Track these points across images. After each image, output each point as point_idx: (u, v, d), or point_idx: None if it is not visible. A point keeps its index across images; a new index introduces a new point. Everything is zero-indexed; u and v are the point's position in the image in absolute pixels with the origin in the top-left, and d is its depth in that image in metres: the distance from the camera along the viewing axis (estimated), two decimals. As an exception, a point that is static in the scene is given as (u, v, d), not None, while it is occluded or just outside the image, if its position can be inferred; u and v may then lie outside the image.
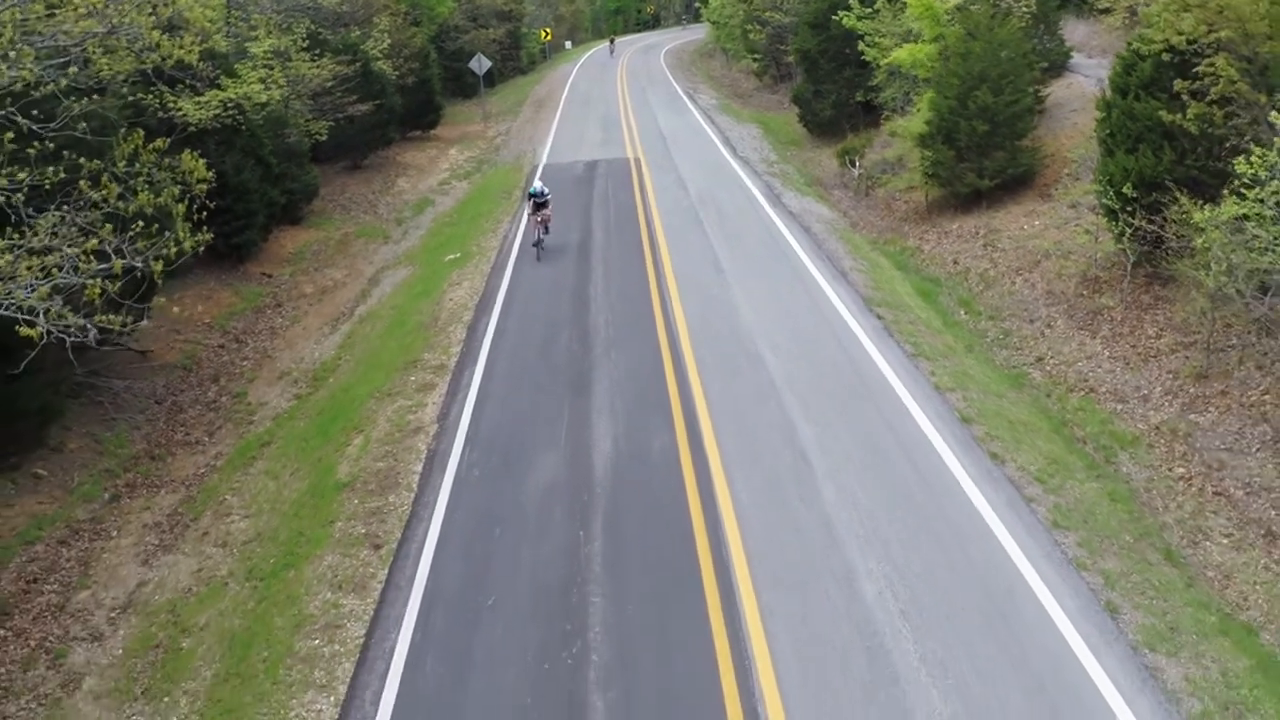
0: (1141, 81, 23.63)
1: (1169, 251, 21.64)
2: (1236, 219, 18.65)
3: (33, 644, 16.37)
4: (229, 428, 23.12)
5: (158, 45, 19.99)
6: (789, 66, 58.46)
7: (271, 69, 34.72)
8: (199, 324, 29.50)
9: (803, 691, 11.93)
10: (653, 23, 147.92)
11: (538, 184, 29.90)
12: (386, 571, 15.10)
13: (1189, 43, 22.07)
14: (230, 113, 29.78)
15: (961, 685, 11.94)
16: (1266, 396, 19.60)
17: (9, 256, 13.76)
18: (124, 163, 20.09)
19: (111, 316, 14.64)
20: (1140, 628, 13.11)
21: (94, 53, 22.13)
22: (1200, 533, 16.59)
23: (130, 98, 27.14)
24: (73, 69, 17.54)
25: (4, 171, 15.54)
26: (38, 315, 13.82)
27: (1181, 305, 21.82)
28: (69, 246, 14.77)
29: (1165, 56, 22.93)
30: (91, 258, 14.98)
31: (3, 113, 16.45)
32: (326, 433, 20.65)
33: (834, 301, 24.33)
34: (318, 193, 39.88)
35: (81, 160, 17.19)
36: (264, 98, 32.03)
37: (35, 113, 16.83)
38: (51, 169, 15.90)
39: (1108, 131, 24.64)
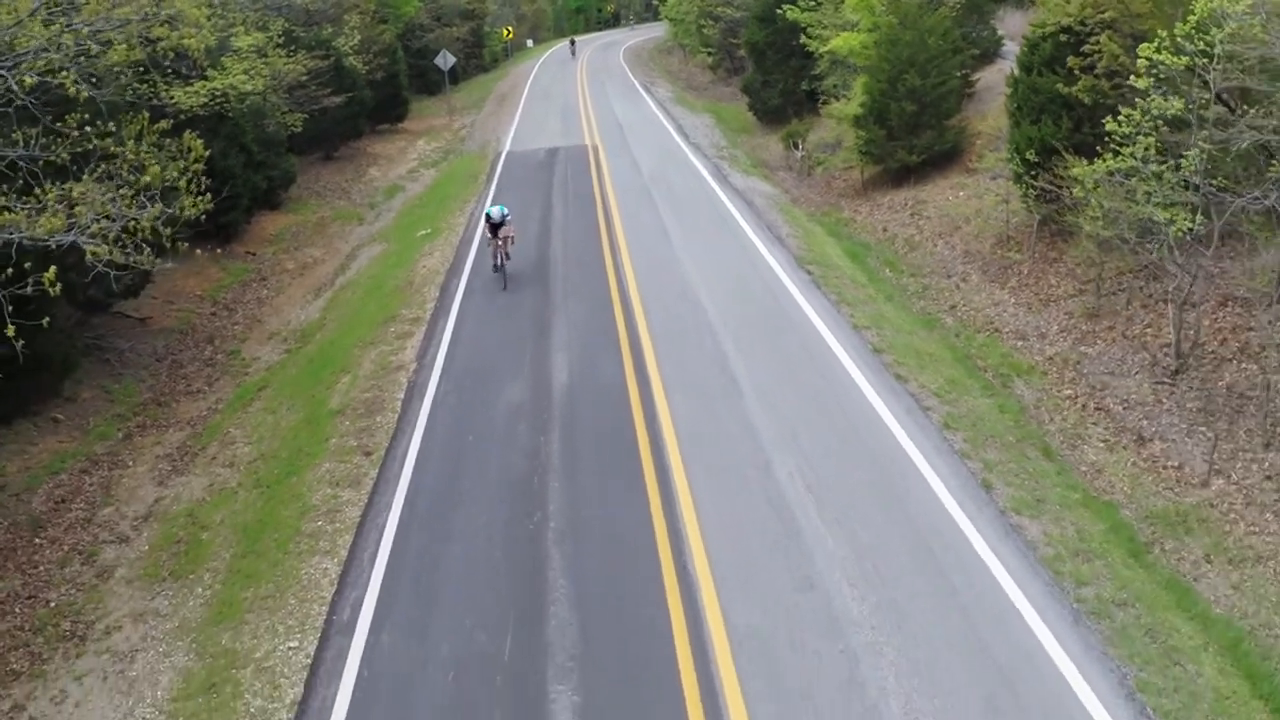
0: (1043, 59, 26.53)
1: (1065, 208, 24.49)
2: (1113, 173, 21.47)
3: (66, 548, 18.90)
4: (226, 379, 25.68)
5: (157, 38, 22.46)
6: (742, 60, 61.33)
7: (256, 60, 37.14)
8: (191, 295, 32.01)
9: (724, 546, 14.66)
10: (613, 21, 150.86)
11: (495, 207, 26.89)
12: (377, 471, 17.78)
13: (1081, 23, 24.91)
14: (217, 101, 32.28)
15: (853, 536, 14.73)
16: (1148, 330, 22.48)
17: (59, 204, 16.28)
18: (132, 141, 22.63)
19: (141, 257, 17.16)
20: (1010, 498, 15.92)
21: (97, 43, 24.55)
22: (1079, 438, 19.45)
23: (128, 85, 29.55)
24: (81, 57, 19.98)
25: (40, 142, 18.07)
26: (99, 246, 16.26)
27: (1074, 254, 24.69)
28: (109, 200, 17.25)
29: (1063, 37, 25.82)
30: (133, 203, 17.42)
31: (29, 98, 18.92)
32: (317, 376, 23.26)
33: (769, 261, 27.09)
34: (295, 180, 42.40)
35: (95, 139, 19.68)
36: (248, 88, 34.52)
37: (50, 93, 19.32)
38: (77, 135, 18.41)
39: (1015, 105, 27.55)
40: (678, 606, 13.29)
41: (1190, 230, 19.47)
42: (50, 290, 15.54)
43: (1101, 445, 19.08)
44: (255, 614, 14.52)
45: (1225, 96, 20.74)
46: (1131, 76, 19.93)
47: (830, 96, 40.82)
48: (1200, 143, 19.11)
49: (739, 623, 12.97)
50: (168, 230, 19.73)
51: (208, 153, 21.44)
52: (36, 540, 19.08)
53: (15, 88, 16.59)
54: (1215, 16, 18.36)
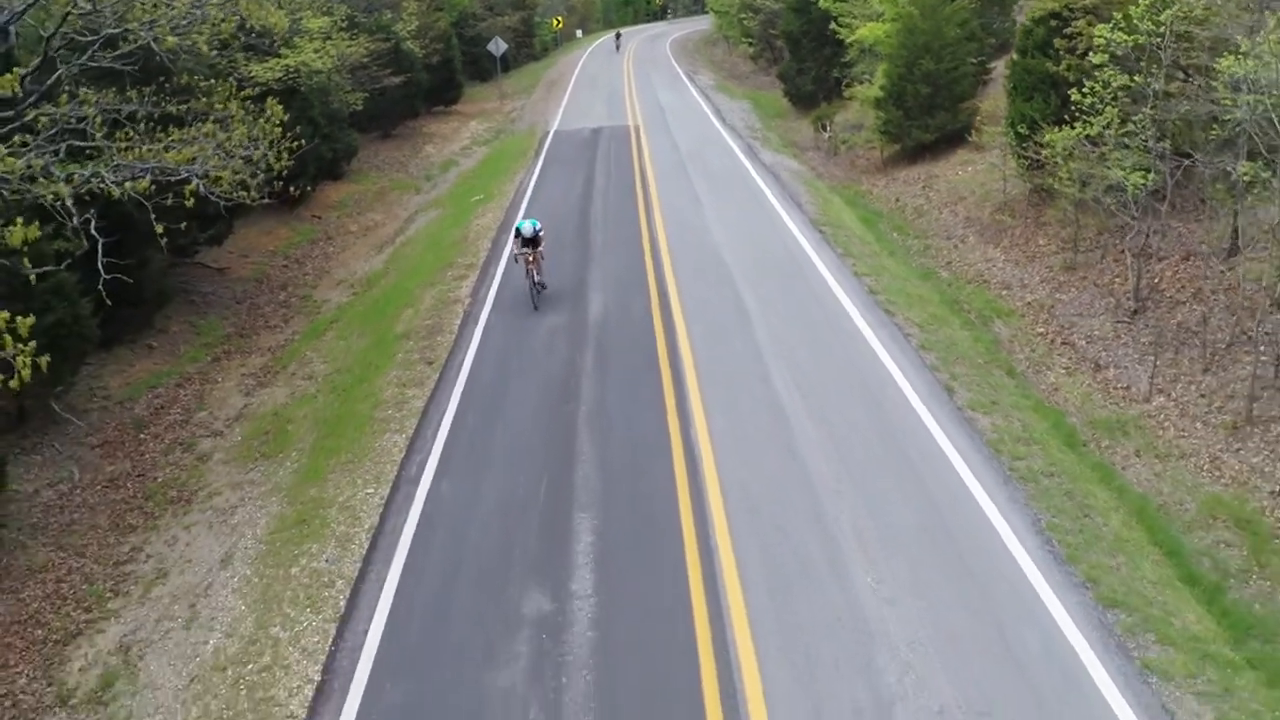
0: (1036, 43, 29.49)
1: (1047, 174, 27.48)
2: (1084, 140, 24.46)
3: (168, 441, 22.32)
4: (300, 317, 29.12)
5: (247, 14, 25.89)
6: (781, 50, 64.30)
7: (322, 42, 40.69)
8: (263, 251, 35.53)
9: (724, 428, 17.70)
10: (661, 14, 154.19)
11: (526, 221, 24.53)
12: (437, 375, 21.11)
13: (1067, 9, 27.90)
14: (290, 76, 35.79)
15: (830, 424, 17.83)
16: (1116, 279, 25.38)
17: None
18: (222, 105, 26.08)
19: (245, 194, 20.52)
20: (968, 400, 18.98)
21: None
22: (1043, 365, 22.46)
23: (213, 59, 33.07)
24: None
25: (152, 99, 21.52)
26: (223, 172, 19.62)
27: (1053, 214, 27.70)
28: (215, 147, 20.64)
29: (1052, 22, 28.76)
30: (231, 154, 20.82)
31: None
32: (383, 311, 26.64)
33: (787, 223, 30.22)
34: (356, 153, 45.93)
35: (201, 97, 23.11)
36: (317, 65, 38.01)
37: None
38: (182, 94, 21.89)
39: (1012, 85, 30.52)
40: (681, 467, 16.47)
41: (1144, 187, 22.41)
42: (157, 233, 18.97)
43: (1062, 371, 22.07)
44: (337, 474, 17.84)
45: (1183, 72, 23.63)
46: (1089, 54, 22.87)
47: (856, 81, 43.77)
48: (1149, 111, 22.06)
49: (730, 478, 16.14)
50: (255, 180, 23.09)
51: (286, 117, 24.75)
52: (141, 436, 22.49)
53: (155, 45, 19.92)
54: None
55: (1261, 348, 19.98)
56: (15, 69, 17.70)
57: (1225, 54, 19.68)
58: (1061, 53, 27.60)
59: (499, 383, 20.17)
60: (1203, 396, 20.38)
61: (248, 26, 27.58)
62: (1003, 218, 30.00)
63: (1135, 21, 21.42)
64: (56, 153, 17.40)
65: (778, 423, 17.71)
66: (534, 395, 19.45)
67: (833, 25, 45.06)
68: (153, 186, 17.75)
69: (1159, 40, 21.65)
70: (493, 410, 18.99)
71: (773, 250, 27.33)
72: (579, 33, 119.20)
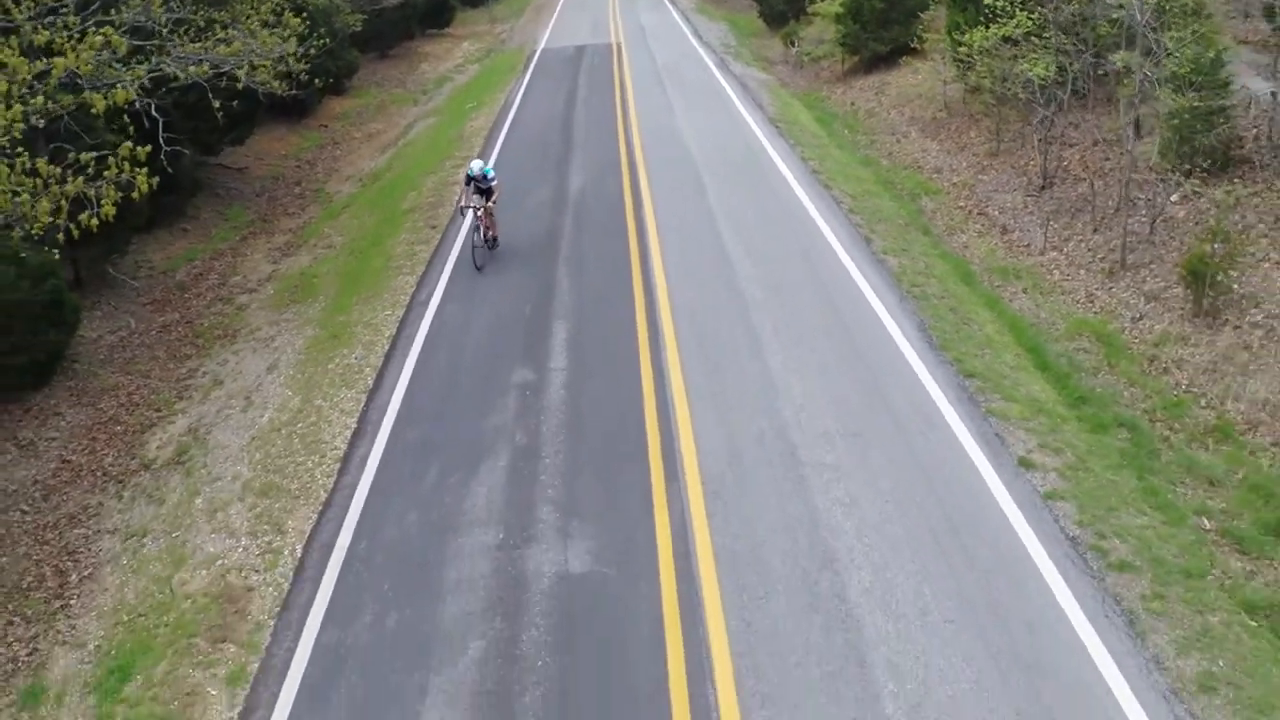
0: (973, -44, 33.08)
1: (974, 72, 31.22)
2: (1002, 40, 28.21)
3: (210, 298, 26.14)
4: (315, 205, 32.93)
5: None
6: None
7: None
8: (276, 155, 39.22)
9: (678, 267, 21.48)
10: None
11: (476, 162, 23.04)
12: (440, 235, 24.99)
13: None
14: (301, -2, 39.29)
15: (765, 263, 21.69)
16: (1030, 164, 29.21)
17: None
18: (248, 17, 29.67)
19: (276, 84, 24.20)
20: (882, 246, 22.84)
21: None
22: (958, 230, 26.31)
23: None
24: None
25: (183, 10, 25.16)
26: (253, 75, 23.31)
27: (977, 106, 31.51)
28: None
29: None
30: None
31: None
32: (391, 195, 30.46)
33: (749, 121, 33.98)
34: (357, 70, 49.46)
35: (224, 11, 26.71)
36: (321, -15, 41.56)
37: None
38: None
39: (950, -3, 34.18)
40: (640, 294, 20.35)
41: (1049, 80, 26.20)
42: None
43: (974, 234, 25.94)
44: (359, 305, 21.75)
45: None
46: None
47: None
48: (1050, 14, 25.83)
49: (679, 299, 20.00)
50: (279, 84, 26.72)
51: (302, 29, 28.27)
52: (185, 295, 26.32)
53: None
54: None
55: (1143, 213, 23.79)
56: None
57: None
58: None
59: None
60: (1089, 250, 24.22)
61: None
62: (940, 115, 33.74)
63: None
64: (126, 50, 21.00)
65: (721, 261, 21.62)
66: (523, 246, 23.34)
67: (802, -53, 48.43)
68: (210, 71, 21.46)
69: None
70: (488, 265, 22.85)
71: (732, 142, 31.12)
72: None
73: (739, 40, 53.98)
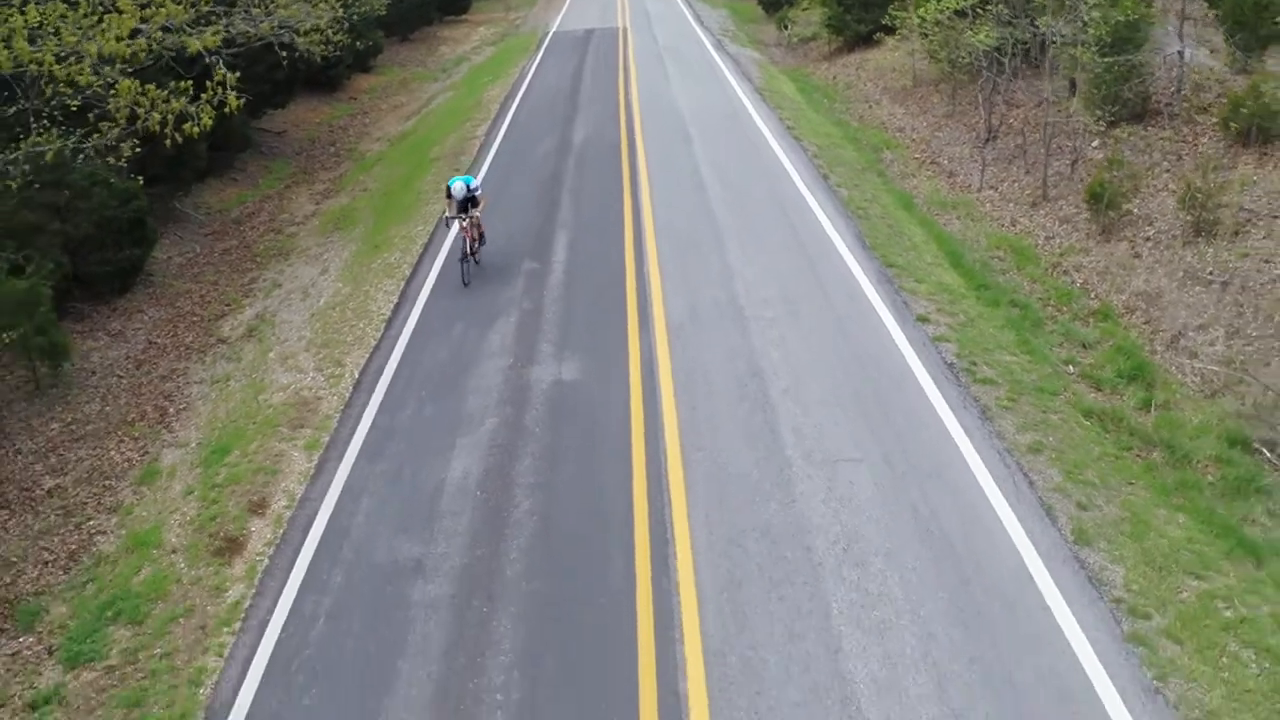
0: (936, -58, 37.14)
1: (930, 42, 35.29)
2: (954, 13, 32.30)
3: (262, 229, 30.36)
4: (349, 161, 37.18)
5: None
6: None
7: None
8: (311, 123, 43.49)
9: (663, 198, 25.45)
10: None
11: (458, 180, 21.46)
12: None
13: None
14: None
15: (737, 193, 25.78)
16: (980, 122, 33.34)
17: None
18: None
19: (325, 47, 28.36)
20: (838, 182, 26.87)
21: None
22: (910, 175, 30.38)
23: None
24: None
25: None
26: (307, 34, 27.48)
27: (936, 69, 35.63)
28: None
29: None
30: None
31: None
32: (417, 149, 34.69)
33: (737, 91, 38.11)
34: (381, 50, 53.72)
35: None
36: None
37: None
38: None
39: (920, -21, 38.21)
40: (629, 211, 24.43)
41: (990, 45, 30.28)
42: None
43: (924, 178, 30.02)
44: (396, 226, 25.88)
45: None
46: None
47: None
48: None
49: (661, 219, 24.01)
50: (320, 49, 30.83)
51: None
52: (240, 228, 30.52)
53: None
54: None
55: (1068, 156, 27.79)
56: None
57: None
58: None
59: (507, 176, 28.27)
60: (1019, 189, 28.24)
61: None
62: (908, 85, 37.88)
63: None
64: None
65: (699, 193, 25.71)
66: (532, 182, 27.51)
67: (795, -62, 52.57)
68: (275, 27, 25.67)
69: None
70: (504, 188, 27.06)
71: (720, 106, 35.30)
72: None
73: (737, 25, 58.12)
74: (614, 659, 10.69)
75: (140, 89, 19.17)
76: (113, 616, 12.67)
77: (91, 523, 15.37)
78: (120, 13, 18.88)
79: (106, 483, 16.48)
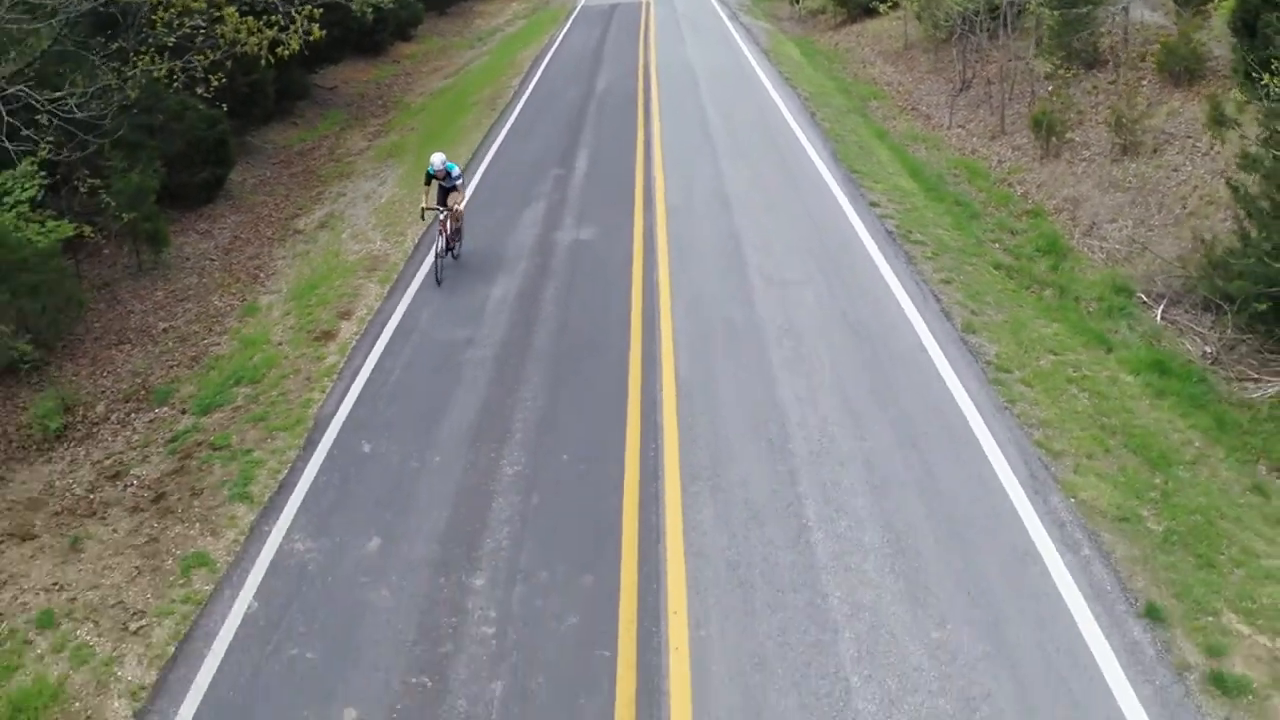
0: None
1: (915, 3, 39.44)
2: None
3: (323, 160, 34.95)
4: (396, 110, 41.66)
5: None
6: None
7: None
8: (359, 81, 48.01)
9: (671, 132, 29.67)
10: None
11: (436, 155, 20.12)
12: (498, 114, 33.60)
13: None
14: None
15: (732, 128, 30.13)
16: (956, 75, 37.60)
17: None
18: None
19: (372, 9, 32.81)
20: (824, 117, 31.18)
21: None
22: (891, 117, 34.64)
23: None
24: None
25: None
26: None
27: (922, 30, 39.91)
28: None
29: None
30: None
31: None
32: (457, 99, 39.13)
33: (746, 54, 42.40)
34: (421, 21, 58.23)
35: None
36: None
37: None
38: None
39: (911, -50, 42.44)
40: (641, 137, 28.77)
41: (967, 7, 34.49)
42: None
43: (903, 120, 34.26)
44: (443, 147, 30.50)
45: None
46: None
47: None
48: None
49: (669, 144, 28.34)
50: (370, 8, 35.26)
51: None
52: (304, 158, 35.01)
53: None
54: None
55: (1026, 99, 31.94)
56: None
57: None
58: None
59: (536, 115, 32.61)
60: (983, 126, 32.52)
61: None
62: (899, 48, 42.15)
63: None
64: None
65: (702, 127, 29.99)
66: (558, 122, 31.77)
67: (805, -81, 56.79)
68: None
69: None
70: (531, 127, 31.40)
71: (728, 64, 39.63)
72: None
73: (753, 0, 62.49)
74: (611, 392, 15.09)
75: (241, 19, 23.69)
76: (234, 382, 17.11)
77: (205, 340, 19.83)
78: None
79: (214, 321, 20.94)
